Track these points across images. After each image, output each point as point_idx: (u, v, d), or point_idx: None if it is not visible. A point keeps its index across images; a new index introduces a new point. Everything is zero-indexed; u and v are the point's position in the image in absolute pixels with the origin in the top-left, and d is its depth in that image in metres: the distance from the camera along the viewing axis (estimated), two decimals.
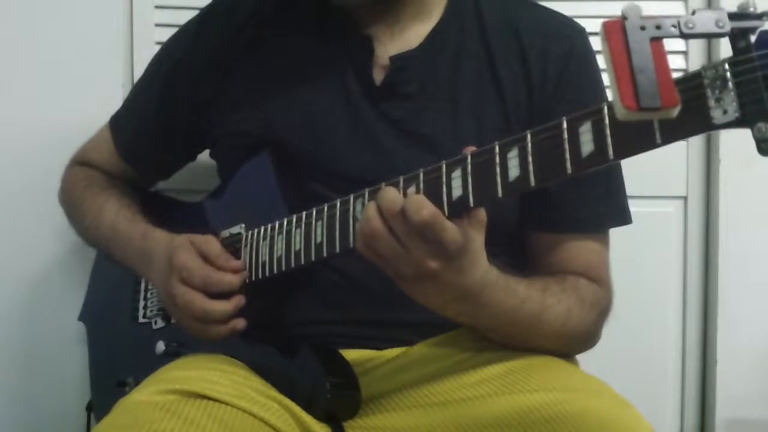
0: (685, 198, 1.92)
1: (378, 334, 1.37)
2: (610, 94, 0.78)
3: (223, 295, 1.29)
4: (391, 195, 1.06)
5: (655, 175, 1.83)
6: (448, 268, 1.08)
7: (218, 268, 1.30)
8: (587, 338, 1.35)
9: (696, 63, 1.88)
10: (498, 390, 1.20)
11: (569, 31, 1.41)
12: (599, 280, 1.37)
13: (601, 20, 0.79)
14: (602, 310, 1.35)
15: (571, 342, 1.32)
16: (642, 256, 1.86)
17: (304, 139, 1.38)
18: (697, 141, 1.90)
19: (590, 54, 1.41)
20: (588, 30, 1.43)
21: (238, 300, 1.29)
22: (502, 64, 1.37)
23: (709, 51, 1.88)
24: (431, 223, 1.03)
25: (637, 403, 1.18)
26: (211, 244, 1.32)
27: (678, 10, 1.89)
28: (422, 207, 1.03)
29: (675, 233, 1.93)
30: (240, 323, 1.29)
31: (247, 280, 1.33)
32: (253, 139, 1.42)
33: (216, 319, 1.28)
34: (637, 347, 1.90)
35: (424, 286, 1.11)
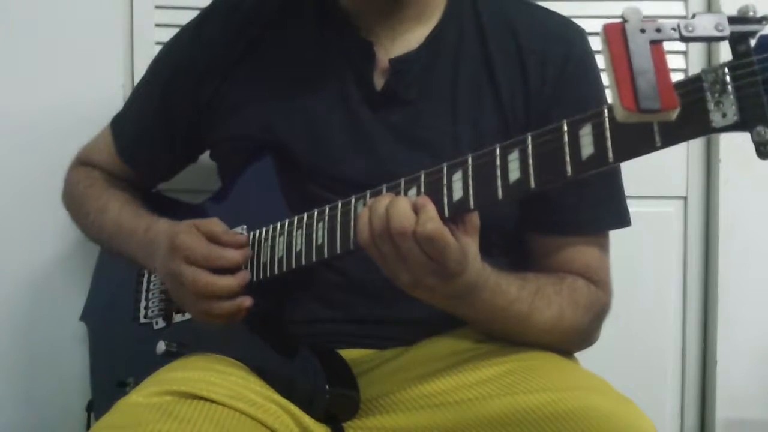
0: (685, 198, 1.92)
1: (378, 332, 1.38)
2: (609, 96, 0.79)
3: (229, 272, 1.29)
4: (403, 210, 1.07)
5: (655, 175, 1.83)
6: (445, 283, 1.11)
7: (223, 244, 1.30)
8: (581, 339, 1.36)
9: (696, 63, 1.89)
10: (498, 390, 1.21)
11: (568, 32, 1.41)
12: (598, 281, 1.37)
13: (601, 21, 0.80)
14: (598, 312, 1.36)
15: (563, 342, 1.33)
16: (642, 256, 1.86)
17: (305, 143, 1.39)
18: (697, 141, 1.89)
19: (590, 56, 1.41)
20: (588, 30, 1.43)
21: (244, 275, 1.29)
22: (499, 66, 1.37)
23: (709, 52, 1.88)
24: (436, 238, 1.05)
25: (637, 403, 1.19)
26: (213, 223, 1.32)
27: (678, 10, 1.89)
28: (429, 219, 1.05)
29: (675, 233, 1.93)
30: (246, 301, 1.28)
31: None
32: (254, 142, 1.42)
33: (221, 294, 1.27)
34: (637, 347, 1.90)
35: (416, 291, 1.15)
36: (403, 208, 1.07)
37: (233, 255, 1.29)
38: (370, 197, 1.16)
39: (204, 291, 1.27)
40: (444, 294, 1.15)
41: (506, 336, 1.30)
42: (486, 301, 1.20)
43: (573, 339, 1.34)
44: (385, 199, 1.09)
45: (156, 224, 1.41)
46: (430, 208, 1.06)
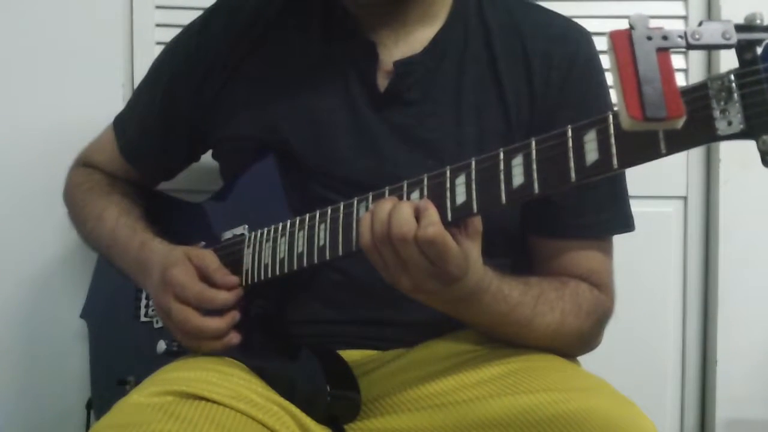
0: (685, 198, 1.92)
1: (379, 334, 1.38)
2: (615, 101, 0.79)
3: (218, 310, 1.29)
4: (405, 215, 1.07)
5: (655, 175, 1.83)
6: (446, 288, 1.12)
7: (213, 283, 1.30)
8: (583, 343, 1.36)
9: (696, 63, 1.89)
10: (499, 391, 1.20)
11: (573, 34, 1.41)
12: (601, 285, 1.37)
13: (604, 21, 0.80)
14: (601, 317, 1.36)
15: (566, 346, 1.33)
16: (642, 256, 1.86)
17: (307, 144, 1.38)
18: None
19: (595, 58, 1.40)
20: (590, 30, 1.43)
21: (232, 317, 1.29)
22: (505, 68, 1.37)
23: (709, 51, 1.88)
24: (437, 242, 1.05)
25: (637, 403, 1.19)
26: (207, 259, 1.32)
27: (678, 10, 1.89)
28: (430, 223, 1.05)
29: (675, 233, 1.93)
30: (234, 338, 1.29)
31: (249, 281, 1.33)
32: (256, 142, 1.42)
33: (210, 336, 1.29)
34: (637, 347, 1.90)
35: (417, 296, 1.15)
36: (405, 213, 1.07)
37: (225, 298, 1.29)
38: (372, 200, 1.16)
39: (192, 333, 1.29)
40: (445, 298, 1.16)
41: (508, 340, 1.30)
42: (488, 306, 1.21)
43: (575, 343, 1.34)
44: (387, 204, 1.10)
45: (150, 243, 1.41)
46: (432, 212, 1.06)
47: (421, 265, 1.08)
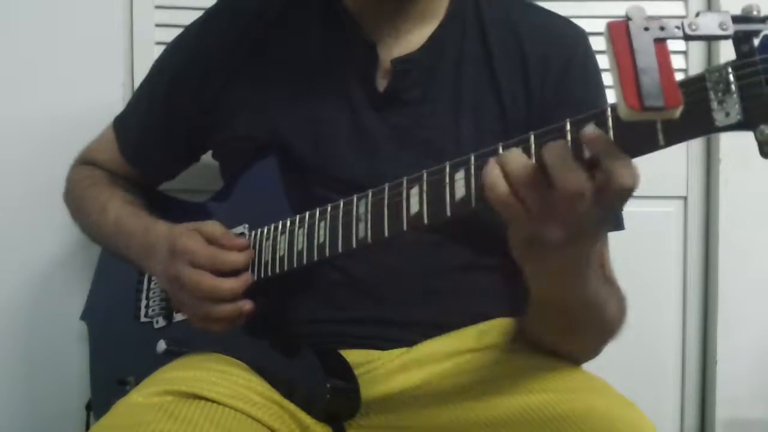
0: (685, 198, 1.93)
1: (379, 333, 1.37)
2: (612, 96, 0.79)
3: (231, 275, 1.28)
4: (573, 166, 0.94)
5: (655, 175, 1.83)
6: (590, 240, 1.03)
7: (223, 247, 1.29)
8: (615, 336, 1.28)
9: (696, 63, 1.90)
10: (499, 391, 1.21)
11: (571, 35, 1.41)
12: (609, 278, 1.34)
13: (602, 21, 0.80)
14: (625, 309, 1.30)
15: (607, 339, 1.27)
16: (642, 256, 1.86)
17: (308, 144, 1.39)
18: (697, 141, 1.89)
19: (592, 59, 1.40)
20: (588, 30, 1.43)
21: (247, 277, 1.28)
22: (501, 68, 1.37)
23: (709, 52, 1.89)
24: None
25: (637, 403, 1.19)
26: (213, 226, 1.31)
27: (678, 9, 1.89)
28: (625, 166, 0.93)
29: (675, 233, 1.93)
30: (247, 305, 1.27)
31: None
32: (257, 143, 1.42)
33: (225, 297, 1.26)
34: (637, 347, 1.88)
35: (558, 249, 1.00)
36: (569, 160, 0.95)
37: (237, 258, 1.29)
38: (372, 197, 1.16)
39: (207, 294, 1.26)
40: (577, 255, 1.04)
41: (576, 328, 1.22)
42: (588, 279, 1.11)
43: (613, 336, 1.27)
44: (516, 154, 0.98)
45: (155, 226, 1.40)
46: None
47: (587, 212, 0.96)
